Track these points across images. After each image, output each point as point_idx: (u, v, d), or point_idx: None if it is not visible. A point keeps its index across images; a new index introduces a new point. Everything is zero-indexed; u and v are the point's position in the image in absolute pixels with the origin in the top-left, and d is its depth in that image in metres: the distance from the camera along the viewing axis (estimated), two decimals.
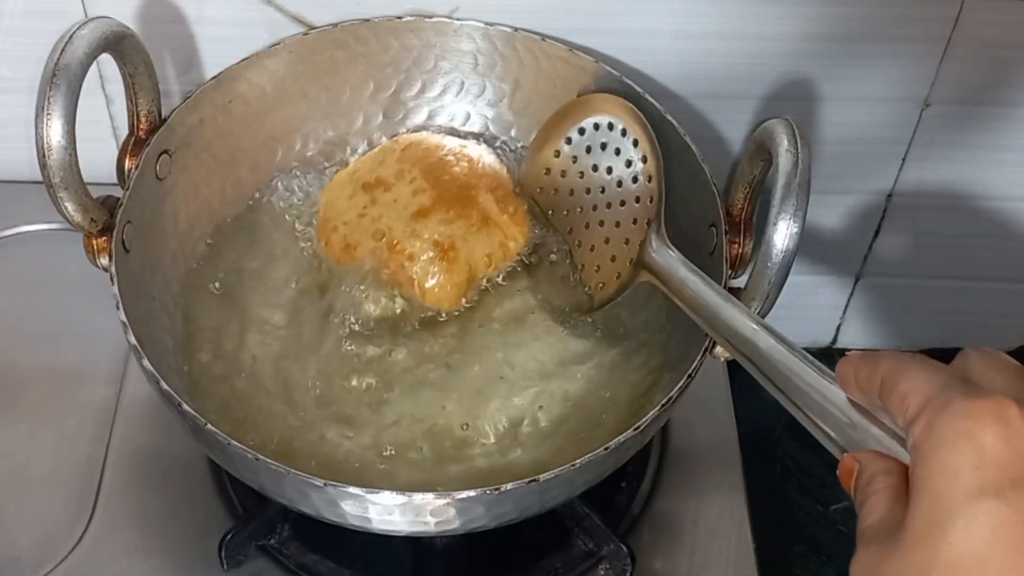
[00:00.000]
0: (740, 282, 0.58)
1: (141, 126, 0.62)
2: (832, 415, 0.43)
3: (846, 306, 0.86)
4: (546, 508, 0.56)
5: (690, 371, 0.56)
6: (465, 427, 0.62)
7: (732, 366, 0.73)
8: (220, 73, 0.65)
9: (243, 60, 0.66)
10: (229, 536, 0.62)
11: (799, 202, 0.53)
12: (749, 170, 0.60)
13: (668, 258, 0.59)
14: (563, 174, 0.68)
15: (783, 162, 0.54)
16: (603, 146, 0.66)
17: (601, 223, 0.65)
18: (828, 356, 0.89)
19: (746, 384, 0.86)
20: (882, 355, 0.41)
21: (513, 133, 0.72)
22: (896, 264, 0.82)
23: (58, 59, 0.53)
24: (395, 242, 0.65)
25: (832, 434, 0.43)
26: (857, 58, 0.70)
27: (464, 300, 0.66)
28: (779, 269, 0.54)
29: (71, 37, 0.54)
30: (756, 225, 0.61)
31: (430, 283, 0.65)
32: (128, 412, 0.69)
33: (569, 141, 0.67)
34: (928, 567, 0.35)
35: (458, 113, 0.72)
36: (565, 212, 0.68)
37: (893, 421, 0.40)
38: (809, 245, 0.79)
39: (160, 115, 0.63)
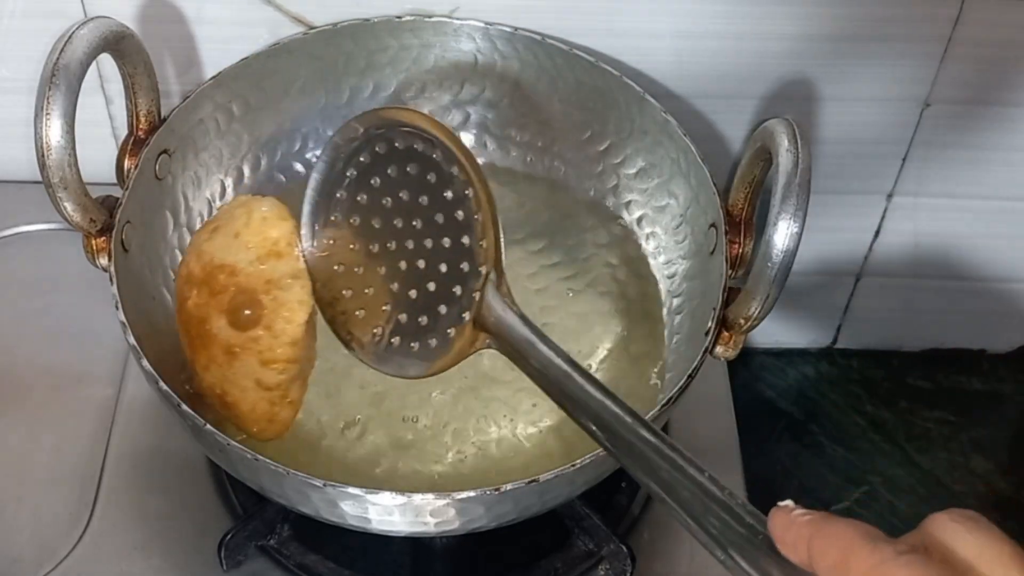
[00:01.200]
0: (740, 282, 0.58)
1: (141, 126, 0.62)
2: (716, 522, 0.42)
3: (846, 306, 0.86)
4: (546, 508, 0.56)
5: (690, 371, 0.56)
6: (464, 427, 0.62)
7: (732, 366, 0.73)
8: (220, 73, 0.65)
9: (243, 60, 0.66)
10: (229, 536, 0.62)
11: (799, 202, 0.53)
12: (749, 170, 0.60)
13: (510, 321, 0.51)
14: (356, 222, 0.56)
15: (783, 162, 0.54)
16: (407, 174, 0.54)
17: (424, 276, 0.55)
18: (828, 356, 0.89)
19: (746, 384, 0.87)
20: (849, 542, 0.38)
21: (513, 133, 0.72)
22: (896, 264, 0.82)
23: (57, 59, 0.53)
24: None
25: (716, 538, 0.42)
26: (857, 58, 0.70)
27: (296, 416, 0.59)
28: (779, 269, 0.54)
29: (71, 37, 0.54)
30: (756, 225, 0.61)
31: (255, 430, 0.58)
32: (128, 412, 0.69)
33: (354, 177, 0.56)
34: None
35: (458, 113, 0.72)
36: (372, 271, 0.56)
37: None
38: (809, 245, 0.79)
39: (160, 115, 0.63)
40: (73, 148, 0.54)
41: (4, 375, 0.70)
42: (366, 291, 0.56)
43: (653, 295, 0.68)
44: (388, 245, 0.55)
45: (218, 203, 0.68)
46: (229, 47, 0.67)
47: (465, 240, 0.53)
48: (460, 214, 0.53)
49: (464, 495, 0.51)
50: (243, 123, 0.68)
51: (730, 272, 0.60)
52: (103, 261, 0.58)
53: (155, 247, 0.64)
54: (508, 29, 0.68)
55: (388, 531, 0.54)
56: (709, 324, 0.58)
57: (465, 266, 0.53)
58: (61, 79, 0.53)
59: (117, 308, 0.56)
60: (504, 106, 0.72)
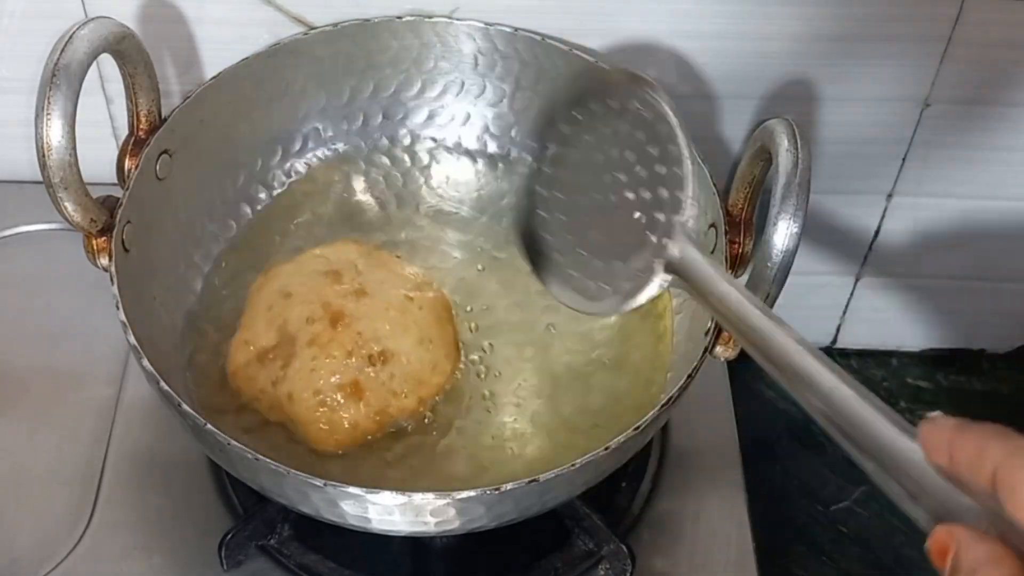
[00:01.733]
0: (740, 282, 0.58)
1: (141, 126, 0.62)
2: (909, 475, 0.39)
3: (846, 306, 0.86)
4: (546, 508, 0.56)
5: (690, 371, 0.56)
6: (465, 426, 0.62)
7: (732, 366, 0.73)
8: (220, 73, 0.65)
9: (243, 60, 0.66)
10: (229, 536, 0.62)
11: (799, 202, 0.53)
12: (749, 170, 0.60)
13: (705, 268, 0.50)
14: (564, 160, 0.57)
15: (783, 162, 0.54)
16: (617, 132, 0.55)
17: (620, 221, 0.54)
18: (828, 356, 0.89)
19: (746, 384, 0.87)
20: (988, 435, 0.36)
21: (513, 133, 0.72)
22: (896, 264, 0.82)
23: (58, 59, 0.53)
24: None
25: (911, 494, 0.39)
26: (857, 58, 0.70)
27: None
28: (779, 269, 0.54)
29: (71, 37, 0.54)
30: (756, 225, 0.61)
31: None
32: (128, 412, 0.69)
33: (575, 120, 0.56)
34: None
35: (458, 113, 0.72)
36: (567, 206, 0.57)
37: (995, 507, 0.35)
38: (809, 245, 0.79)
39: (160, 115, 0.63)
40: (74, 148, 0.54)
41: (4, 375, 0.70)
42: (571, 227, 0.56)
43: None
44: (593, 192, 0.55)
45: (218, 203, 0.68)
46: (229, 47, 0.67)
47: (663, 192, 0.53)
48: (662, 168, 0.53)
49: (464, 495, 0.51)
50: (244, 123, 0.68)
51: (730, 272, 0.60)
52: (103, 261, 0.58)
53: (156, 247, 0.64)
54: (508, 29, 0.68)
55: (388, 531, 0.54)
56: (709, 324, 0.58)
57: (661, 216, 0.53)
58: (62, 79, 0.53)
59: (117, 308, 0.56)
60: (504, 106, 0.72)
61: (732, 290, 0.48)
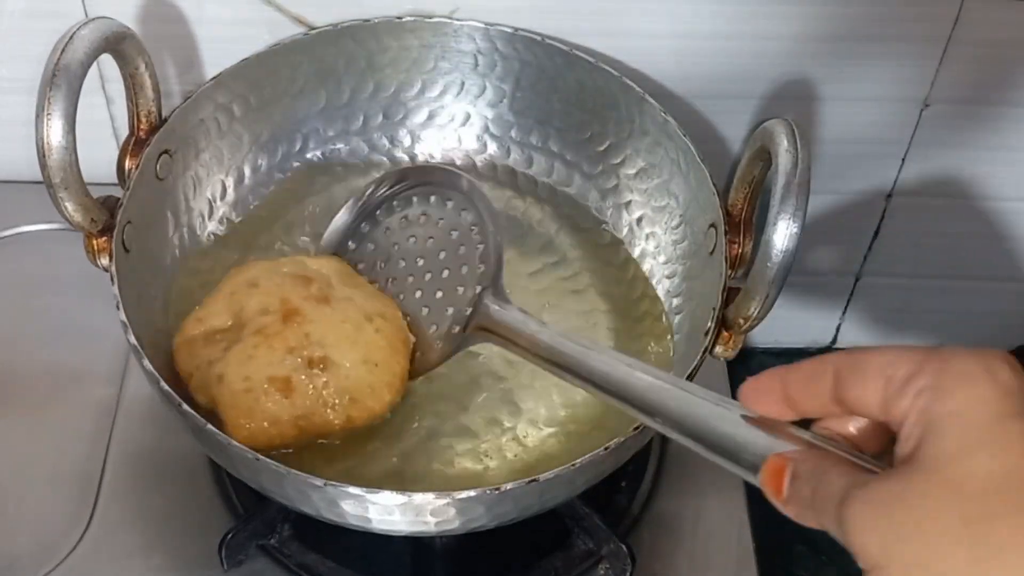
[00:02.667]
0: (740, 282, 0.58)
1: (141, 126, 0.62)
2: (730, 436, 0.42)
3: (846, 306, 0.86)
4: (546, 508, 0.56)
5: (690, 371, 0.56)
6: (465, 426, 0.62)
7: (732, 366, 0.73)
8: (220, 73, 0.65)
9: (243, 60, 0.66)
10: (229, 536, 0.62)
11: (799, 202, 0.53)
12: (749, 170, 0.60)
13: (512, 314, 0.58)
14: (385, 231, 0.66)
15: (783, 162, 0.54)
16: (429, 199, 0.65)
17: (431, 280, 0.63)
18: None
19: None
20: (803, 363, 0.41)
21: (513, 133, 0.72)
22: (896, 264, 0.82)
23: (58, 59, 0.53)
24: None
25: (737, 453, 0.41)
26: (857, 58, 0.70)
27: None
28: (779, 269, 0.54)
29: (71, 37, 0.54)
30: (756, 225, 0.61)
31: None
32: (128, 412, 0.69)
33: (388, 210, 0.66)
34: (959, 488, 0.34)
35: (458, 113, 0.72)
36: (388, 272, 0.65)
37: (856, 409, 0.39)
38: (809, 245, 0.79)
39: (160, 115, 0.63)
40: (74, 148, 0.54)
41: (4, 375, 0.70)
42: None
43: (653, 295, 0.68)
44: (404, 270, 0.64)
45: (219, 203, 0.69)
46: (230, 47, 0.67)
47: (464, 269, 0.62)
48: (463, 249, 0.63)
49: (464, 495, 0.51)
50: (244, 123, 0.68)
51: (730, 272, 0.60)
52: (104, 261, 0.58)
53: (156, 247, 0.64)
54: (508, 30, 0.68)
55: (388, 530, 0.54)
56: (709, 324, 0.58)
57: (461, 290, 0.62)
58: (62, 79, 0.53)
59: (118, 308, 0.56)
60: (504, 107, 0.72)
61: (543, 329, 0.56)
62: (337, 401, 0.58)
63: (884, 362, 0.38)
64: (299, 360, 0.58)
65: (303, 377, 0.58)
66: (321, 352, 0.58)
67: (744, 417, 0.42)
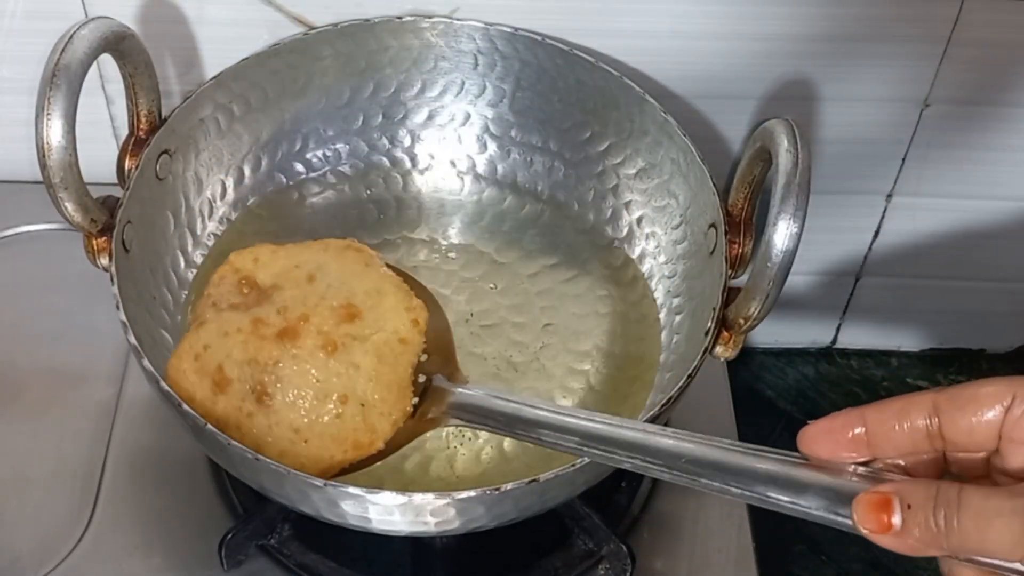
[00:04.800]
0: (740, 282, 0.58)
1: (141, 126, 0.62)
2: (798, 481, 0.42)
3: (846, 306, 0.86)
4: (546, 508, 0.56)
5: (690, 371, 0.56)
6: (465, 429, 0.62)
7: (732, 366, 0.73)
8: (220, 73, 0.65)
9: (243, 60, 0.66)
10: (229, 536, 0.62)
11: (799, 202, 0.53)
12: (749, 170, 0.60)
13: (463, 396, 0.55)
14: None
15: (783, 162, 0.54)
16: None
17: None
18: (828, 356, 0.89)
19: (746, 384, 0.87)
20: (885, 402, 0.42)
21: (513, 133, 0.72)
22: (896, 264, 0.82)
23: (58, 59, 0.53)
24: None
25: (809, 497, 0.42)
26: (857, 58, 0.70)
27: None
28: (779, 269, 0.54)
29: (71, 37, 0.54)
30: (756, 225, 0.61)
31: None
32: (128, 412, 0.69)
33: None
34: None
35: (458, 113, 0.72)
36: None
37: (959, 440, 0.41)
38: (809, 245, 0.79)
39: (160, 115, 0.63)
40: (74, 148, 0.54)
41: (4, 375, 0.70)
42: None
43: (653, 295, 0.68)
44: None
45: (219, 203, 0.69)
46: (229, 47, 0.67)
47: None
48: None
49: (464, 495, 0.51)
50: (244, 123, 0.68)
51: (730, 272, 0.60)
52: (104, 261, 0.58)
53: (156, 247, 0.64)
54: (508, 29, 0.68)
55: (388, 531, 0.54)
56: (709, 324, 0.58)
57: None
58: (62, 79, 0.53)
59: (118, 308, 0.56)
60: (504, 107, 0.72)
61: (514, 401, 0.53)
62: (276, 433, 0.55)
63: (994, 392, 0.40)
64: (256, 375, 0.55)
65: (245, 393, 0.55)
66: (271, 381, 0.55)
67: (799, 463, 0.43)
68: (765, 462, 0.43)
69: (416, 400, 0.56)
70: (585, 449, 0.50)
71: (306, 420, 0.54)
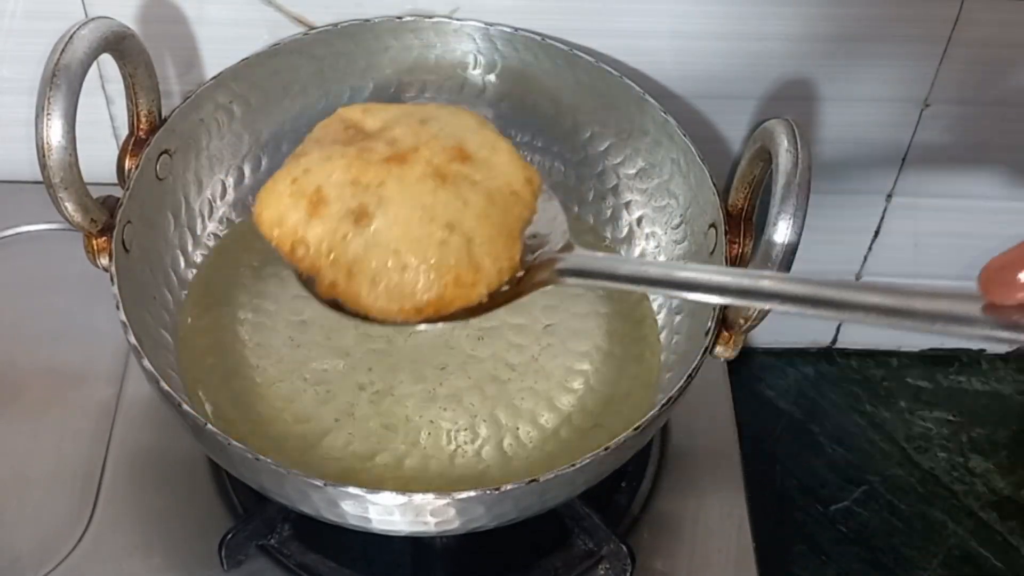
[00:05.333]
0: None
1: (141, 126, 0.62)
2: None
3: None
4: (546, 508, 0.56)
5: (690, 371, 0.56)
6: (465, 427, 0.62)
7: (732, 366, 0.73)
8: (220, 73, 0.65)
9: (243, 60, 0.66)
10: (229, 536, 0.62)
11: (799, 202, 0.53)
12: (749, 170, 0.60)
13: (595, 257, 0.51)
14: None
15: (783, 162, 0.54)
16: None
17: None
18: (828, 356, 0.89)
19: (746, 384, 0.87)
20: None
21: (513, 133, 0.72)
22: (896, 264, 0.82)
23: (58, 59, 0.53)
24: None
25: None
26: (857, 58, 0.70)
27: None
28: (779, 269, 0.54)
29: (71, 37, 0.54)
30: (756, 225, 0.61)
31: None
32: (128, 412, 0.69)
33: None
34: None
35: None
36: None
37: None
38: (809, 245, 0.79)
39: (160, 115, 0.63)
40: (74, 148, 0.54)
41: (4, 375, 0.70)
42: None
43: (653, 295, 0.68)
44: None
45: (219, 203, 0.69)
46: (229, 47, 0.67)
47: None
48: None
49: (464, 495, 0.51)
50: (244, 123, 0.68)
51: None
52: (104, 261, 0.58)
53: (156, 247, 0.64)
54: (508, 29, 0.68)
55: (388, 531, 0.54)
56: (709, 324, 0.58)
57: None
58: (62, 79, 0.53)
59: (118, 308, 0.56)
60: (504, 107, 0.72)
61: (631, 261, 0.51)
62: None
63: None
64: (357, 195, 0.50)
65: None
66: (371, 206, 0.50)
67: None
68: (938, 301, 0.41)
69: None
70: (703, 297, 0.47)
71: (407, 243, 0.48)
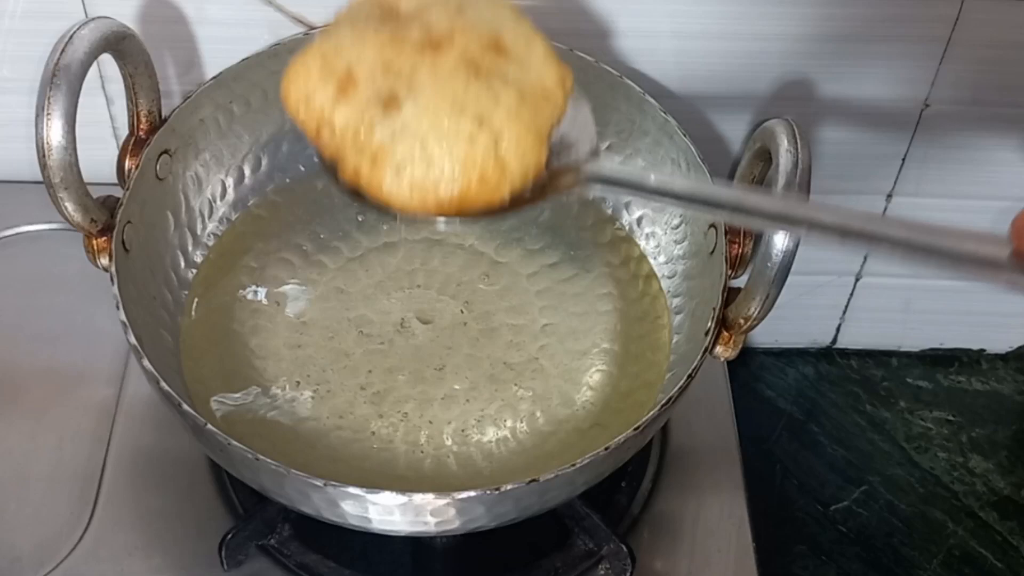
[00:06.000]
0: (741, 282, 0.58)
1: (141, 126, 0.62)
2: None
3: (846, 306, 0.86)
4: (546, 508, 0.56)
5: (690, 371, 0.56)
6: (464, 427, 0.62)
7: (732, 366, 0.73)
8: (220, 73, 0.65)
9: (243, 60, 0.66)
10: (229, 536, 0.62)
11: None
12: (749, 170, 0.60)
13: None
14: None
15: (783, 162, 0.54)
16: None
17: None
18: (828, 356, 0.89)
19: (746, 384, 0.87)
20: None
21: None
22: (896, 264, 0.82)
23: (58, 59, 0.53)
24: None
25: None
26: (857, 58, 0.70)
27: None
28: (779, 269, 0.54)
29: (71, 37, 0.54)
30: None
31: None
32: (128, 412, 0.69)
33: None
34: None
35: None
36: None
37: None
38: (809, 245, 0.79)
39: (160, 115, 0.63)
40: (74, 148, 0.54)
41: (4, 375, 0.70)
42: None
43: (652, 295, 0.68)
44: None
45: (219, 203, 0.69)
46: (230, 47, 0.67)
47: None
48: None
49: (464, 495, 0.51)
50: (244, 123, 0.68)
51: (730, 272, 0.60)
52: (104, 261, 0.58)
53: (156, 247, 0.64)
54: None
55: (388, 531, 0.54)
56: (709, 324, 0.58)
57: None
58: (62, 79, 0.53)
59: (118, 308, 0.56)
60: None
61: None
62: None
63: None
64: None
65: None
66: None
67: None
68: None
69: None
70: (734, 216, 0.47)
71: (434, 134, 0.47)
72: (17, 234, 0.77)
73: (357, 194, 0.48)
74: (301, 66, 0.49)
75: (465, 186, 0.47)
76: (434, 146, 0.47)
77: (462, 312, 0.67)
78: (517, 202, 0.49)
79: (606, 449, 0.53)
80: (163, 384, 0.54)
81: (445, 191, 0.47)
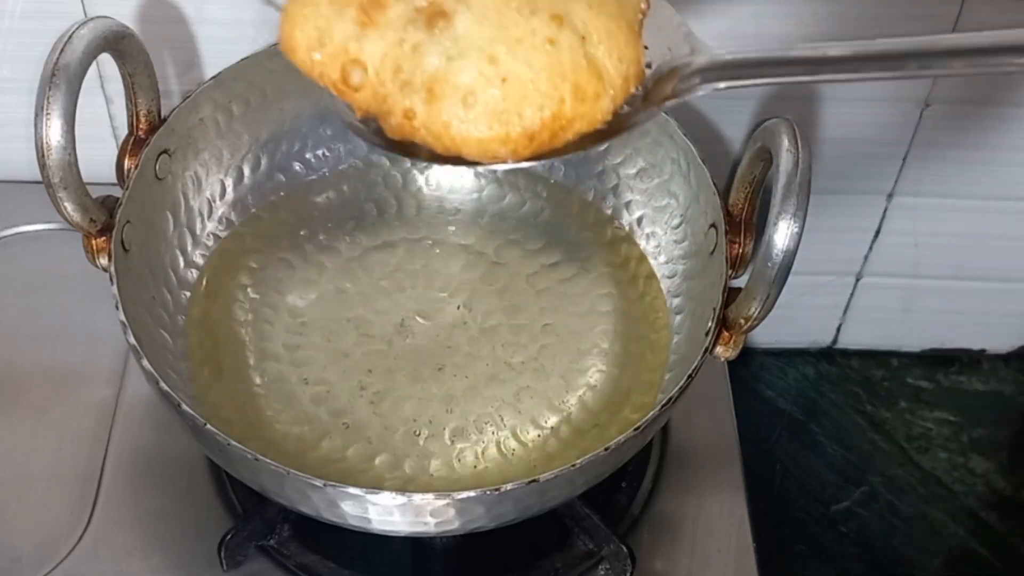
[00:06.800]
0: (741, 282, 0.58)
1: (141, 126, 0.62)
2: None
3: (846, 306, 0.86)
4: (546, 508, 0.56)
5: (690, 371, 0.56)
6: (464, 428, 0.62)
7: (732, 366, 0.73)
8: (220, 73, 0.65)
9: (243, 60, 0.66)
10: (229, 536, 0.62)
11: (799, 202, 0.53)
12: (749, 170, 0.60)
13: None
14: None
15: (783, 162, 0.54)
16: None
17: None
18: (828, 356, 0.89)
19: (746, 384, 0.87)
20: None
21: None
22: (896, 264, 0.82)
23: (58, 59, 0.53)
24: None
25: None
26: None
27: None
28: (779, 269, 0.54)
29: (71, 37, 0.54)
30: (756, 225, 0.61)
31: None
32: (128, 412, 0.69)
33: None
34: None
35: None
36: None
37: None
38: (809, 245, 0.79)
39: (160, 115, 0.63)
40: (73, 148, 0.54)
41: (4, 375, 0.70)
42: None
43: (652, 295, 0.68)
44: None
45: (218, 203, 0.69)
46: (229, 47, 0.67)
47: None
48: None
49: (464, 495, 0.51)
50: (243, 123, 0.68)
51: (730, 272, 0.60)
52: (103, 261, 0.58)
53: (155, 247, 0.64)
54: None
55: (388, 531, 0.54)
56: (709, 324, 0.58)
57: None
58: (61, 79, 0.53)
59: (117, 308, 0.56)
60: None
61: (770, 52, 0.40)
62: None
63: None
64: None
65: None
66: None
67: None
68: None
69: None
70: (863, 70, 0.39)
71: (505, 45, 0.36)
72: (17, 234, 0.77)
73: (411, 151, 0.38)
74: (302, 3, 0.39)
75: (557, 105, 0.37)
76: (507, 61, 0.36)
77: (462, 312, 0.67)
78: (615, 124, 0.39)
79: (606, 449, 0.53)
80: (162, 384, 0.53)
81: (532, 117, 0.37)
